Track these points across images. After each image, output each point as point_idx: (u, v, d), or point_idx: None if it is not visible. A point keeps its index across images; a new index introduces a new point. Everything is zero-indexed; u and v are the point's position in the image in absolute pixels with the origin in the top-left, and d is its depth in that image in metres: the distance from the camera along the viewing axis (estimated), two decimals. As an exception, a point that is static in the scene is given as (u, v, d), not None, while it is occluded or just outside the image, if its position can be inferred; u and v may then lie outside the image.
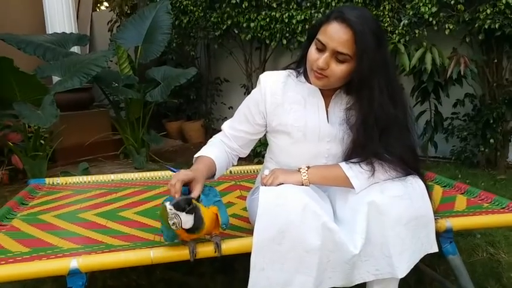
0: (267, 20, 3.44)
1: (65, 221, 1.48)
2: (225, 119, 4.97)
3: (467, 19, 2.87)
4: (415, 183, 1.12)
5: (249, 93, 4.43)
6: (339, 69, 1.14)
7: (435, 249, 1.16)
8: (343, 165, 1.18)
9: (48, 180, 1.92)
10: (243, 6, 3.54)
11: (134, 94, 3.50)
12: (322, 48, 1.13)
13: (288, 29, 3.37)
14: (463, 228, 1.39)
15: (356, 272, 1.12)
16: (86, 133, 3.88)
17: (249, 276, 1.08)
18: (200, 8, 3.93)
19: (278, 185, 1.17)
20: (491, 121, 3.12)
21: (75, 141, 3.80)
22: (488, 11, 2.72)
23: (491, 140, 3.13)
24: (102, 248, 1.24)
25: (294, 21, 3.26)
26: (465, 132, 3.35)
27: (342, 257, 1.07)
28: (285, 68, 1.34)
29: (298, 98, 1.26)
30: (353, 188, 1.16)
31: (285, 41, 3.43)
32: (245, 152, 1.39)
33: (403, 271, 1.11)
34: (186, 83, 4.46)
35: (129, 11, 5.39)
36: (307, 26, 3.27)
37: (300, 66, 1.31)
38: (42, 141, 3.31)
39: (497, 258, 1.86)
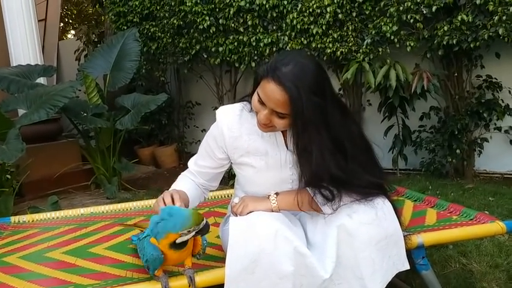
0: (235, 43, 3.48)
1: (31, 262, 1.42)
2: (199, 142, 5.02)
3: (426, 36, 2.99)
4: (382, 204, 1.13)
5: (220, 116, 4.53)
6: (281, 123, 1.13)
7: (407, 266, 1.17)
8: (309, 190, 1.19)
9: (13, 219, 1.85)
10: (211, 31, 3.57)
11: (104, 123, 3.45)
12: (262, 103, 1.13)
13: (256, 52, 3.42)
14: (434, 243, 1.41)
15: None
16: (54, 165, 3.78)
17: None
18: (168, 34, 3.95)
19: (248, 213, 1.17)
20: (456, 132, 3.22)
21: (44, 174, 3.69)
22: (446, 28, 2.84)
23: (458, 151, 3.23)
24: (70, 289, 1.20)
25: (262, 44, 3.31)
26: (433, 144, 3.44)
27: (314, 281, 1.07)
28: (240, 100, 1.35)
29: (255, 129, 1.25)
30: (322, 212, 1.16)
31: (253, 64, 3.48)
32: (213, 186, 1.40)
33: (376, 292, 1.11)
34: (156, 108, 4.46)
35: (96, 39, 5.36)
36: (274, 49, 3.32)
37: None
38: (8, 176, 3.20)
39: (470, 268, 1.90)
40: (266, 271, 1.05)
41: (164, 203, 1.15)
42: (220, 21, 3.49)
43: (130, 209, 1.99)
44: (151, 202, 2.00)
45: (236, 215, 1.22)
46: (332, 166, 1.09)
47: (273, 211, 1.19)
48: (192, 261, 1.15)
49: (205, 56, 3.82)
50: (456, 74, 3.25)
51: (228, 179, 3.65)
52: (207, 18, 3.53)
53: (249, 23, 3.35)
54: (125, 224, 1.76)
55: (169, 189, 1.25)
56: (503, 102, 3.28)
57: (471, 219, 1.52)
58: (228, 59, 3.62)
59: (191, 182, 1.34)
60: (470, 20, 2.63)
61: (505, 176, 3.46)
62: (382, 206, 1.13)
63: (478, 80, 3.30)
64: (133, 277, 1.27)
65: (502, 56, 3.08)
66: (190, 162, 1.37)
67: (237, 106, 1.30)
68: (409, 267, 1.17)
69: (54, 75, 4.29)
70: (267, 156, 1.24)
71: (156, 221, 1.09)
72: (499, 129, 3.39)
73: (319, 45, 3.10)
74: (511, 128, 3.33)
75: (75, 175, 3.95)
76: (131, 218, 1.85)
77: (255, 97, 1.15)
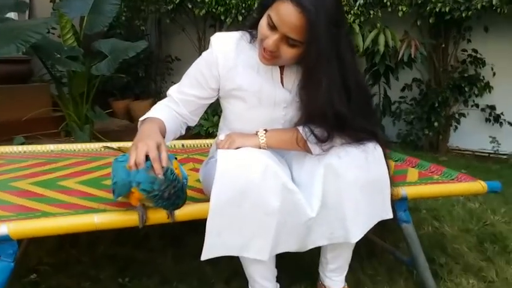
0: (222, -6, 3.34)
1: (-6, 190, 1.33)
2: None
3: (419, 1, 2.94)
4: (373, 149, 1.09)
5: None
6: (289, 52, 1.05)
7: (390, 215, 1.15)
8: (300, 129, 1.13)
9: (-24, 150, 1.73)
10: (197, -21, 3.40)
11: (78, 66, 3.27)
12: (273, 28, 1.03)
13: (244, 5, 3.28)
14: (417, 197, 1.40)
15: (311, 236, 1.09)
16: (23, 109, 3.59)
17: (201, 250, 1.03)
18: (152, -21, 3.74)
19: (236, 149, 1.11)
20: (437, 105, 3.24)
21: (11, 117, 3.50)
22: (440, -5, 2.79)
23: (436, 124, 3.26)
24: (38, 216, 1.12)
25: (250, -4, 3.19)
26: (411, 116, 3.46)
27: (299, 219, 1.04)
28: (239, 29, 1.26)
29: (252, 62, 1.19)
30: (310, 152, 1.12)
31: (240, 18, 3.35)
32: (194, 120, 1.29)
33: (356, 235, 1.09)
34: (134, 60, 4.27)
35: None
36: (263, 3, 3.19)
37: (253, 28, 1.23)
38: (-28, 115, 3.02)
39: (442, 231, 1.93)
40: (253, 205, 1.00)
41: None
42: (209, -31, 3.32)
43: (106, 148, 1.90)
44: (127, 144, 1.91)
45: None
46: (337, 103, 1.03)
47: (260, 148, 1.13)
48: None
49: (189, 6, 3.65)
50: (443, 45, 3.23)
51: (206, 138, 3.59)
52: (194, -35, 3.36)
53: (239, -28, 3.20)
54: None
55: (146, 124, 1.10)
56: (484, 79, 3.30)
57: (452, 179, 1.52)
58: (213, 10, 3.47)
59: (171, 112, 1.23)
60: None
61: (476, 153, 3.53)
62: (372, 151, 1.09)
63: (463, 54, 3.30)
64: (106, 209, 1.20)
65: (489, 30, 3.07)
66: (172, 90, 1.25)
67: (235, 34, 1.21)
68: (392, 217, 1.15)
69: (26, 11, 4.01)
70: (260, 93, 1.17)
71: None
72: (477, 106, 3.43)
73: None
74: (488, 107, 3.38)
75: (44, 121, 3.77)
76: (106, 157, 1.77)
77: (263, 21, 1.06)
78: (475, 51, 3.22)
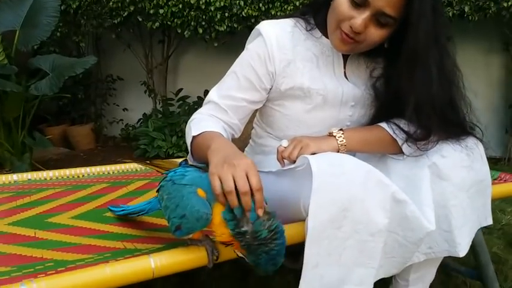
0: (179, 6, 3.08)
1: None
2: (121, 121, 4.44)
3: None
4: (475, 146, 0.94)
5: (151, 91, 4.07)
6: (377, 34, 0.89)
7: (490, 221, 1.00)
8: (385, 125, 0.95)
9: None
10: (150, -10, 3.13)
11: (14, 86, 2.80)
12: (361, 4, 0.86)
13: (204, 17, 3.07)
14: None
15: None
16: None
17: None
18: (94, -9, 3.38)
19: (312, 154, 0.89)
20: None
21: None
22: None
23: None
24: (52, 267, 0.80)
25: (212, 8, 2.97)
26: None
27: (414, 236, 0.85)
28: (289, 16, 1.06)
29: (310, 54, 1.00)
30: (400, 152, 0.94)
31: (201, 30, 3.12)
32: (241, 130, 1.06)
33: (464, 248, 0.93)
34: (70, 80, 3.83)
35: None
36: (226, 14, 3.01)
37: (308, 14, 1.04)
38: None
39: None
40: (355, 225, 0.79)
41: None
42: (163, -21, 3.06)
43: (83, 175, 1.55)
44: (114, 168, 1.59)
45: (283, 163, 0.94)
46: (436, 93, 0.87)
47: (339, 152, 0.93)
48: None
49: (139, 20, 3.35)
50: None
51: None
52: (146, -26, 3.08)
53: (198, -17, 2.99)
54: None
55: (217, 139, 0.86)
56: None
57: (495, 179, 1.43)
58: (169, 23, 3.20)
59: (219, 123, 0.98)
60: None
61: None
62: (474, 148, 0.94)
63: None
64: (140, 248, 0.91)
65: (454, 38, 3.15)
66: (215, 97, 1.00)
67: (288, 21, 1.01)
68: (491, 223, 1.00)
69: None
70: (325, 91, 0.98)
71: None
72: None
73: (279, 13, 2.88)
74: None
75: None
76: (90, 185, 1.43)
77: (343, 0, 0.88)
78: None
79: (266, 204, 0.74)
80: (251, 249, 0.71)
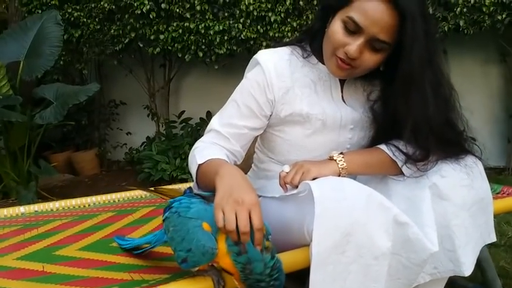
0: (179, 31, 3.15)
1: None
2: (124, 145, 4.47)
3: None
4: (474, 165, 0.96)
5: (154, 114, 4.11)
6: (372, 60, 0.92)
7: (493, 238, 1.01)
8: (384, 147, 0.97)
9: None
10: (151, 16, 3.19)
11: (19, 116, 2.85)
12: (355, 31, 0.89)
13: (204, 41, 3.12)
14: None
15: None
16: None
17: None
18: (96, 19, 3.45)
19: (313, 179, 0.91)
20: None
21: None
22: None
23: None
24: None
25: (212, 32, 3.03)
26: None
27: (417, 258, 0.85)
28: (285, 44, 1.09)
29: (307, 81, 1.02)
30: (400, 174, 0.96)
31: (201, 54, 3.17)
32: (243, 156, 1.08)
33: (468, 267, 0.93)
34: (74, 107, 3.88)
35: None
36: (226, 38, 3.07)
37: (304, 41, 1.07)
38: None
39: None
40: (359, 249, 0.80)
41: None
42: (163, 5, 3.12)
43: (89, 205, 1.57)
44: (119, 196, 1.60)
45: (286, 189, 0.95)
46: (433, 114, 0.89)
47: (340, 176, 0.94)
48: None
49: (140, 46, 3.41)
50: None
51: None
52: (146, 1, 3.15)
53: (197, 8, 3.05)
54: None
55: (225, 168, 0.86)
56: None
57: (497, 193, 1.44)
58: (169, 48, 3.26)
59: (222, 150, 1.00)
60: (430, 12, 2.68)
61: None
62: (474, 167, 0.95)
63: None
64: (147, 279, 0.92)
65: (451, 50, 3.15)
66: (216, 125, 1.03)
67: (285, 50, 1.04)
68: (495, 239, 1.01)
69: None
70: (324, 115, 1.00)
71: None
72: None
73: (276, 35, 2.93)
74: None
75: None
76: (96, 214, 1.44)
77: (336, 27, 0.91)
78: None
79: (269, 239, 0.76)
80: (249, 283, 0.72)
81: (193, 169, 0.96)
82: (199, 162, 0.92)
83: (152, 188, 1.11)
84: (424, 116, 0.89)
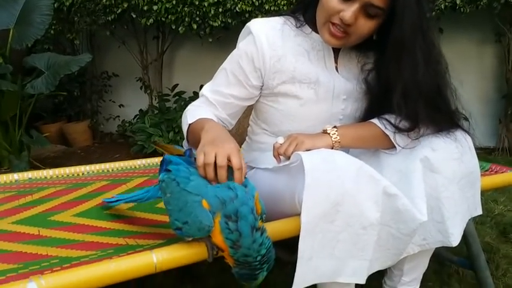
0: (173, 2, 3.09)
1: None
2: (117, 118, 4.44)
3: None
4: (463, 139, 0.98)
5: (147, 87, 4.08)
6: (366, 26, 0.92)
7: (479, 211, 1.04)
8: (376, 121, 0.98)
9: None
10: (143, -14, 3.13)
11: (10, 85, 2.81)
12: None
13: (198, 13, 3.08)
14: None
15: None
16: None
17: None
18: (87, -13, 3.38)
19: (306, 151, 0.92)
20: None
21: None
22: None
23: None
24: (57, 263, 0.83)
25: (206, 3, 2.98)
26: None
27: (406, 228, 0.88)
28: (279, 15, 1.09)
29: (300, 49, 1.03)
30: (393, 147, 0.98)
31: (195, 26, 3.13)
32: (233, 124, 1.10)
33: (456, 238, 0.96)
34: (66, 78, 3.83)
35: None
36: (220, 10, 3.02)
37: (298, 12, 1.07)
38: None
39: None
40: (348, 218, 0.82)
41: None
42: (157, -25, 3.07)
43: (83, 174, 1.58)
44: (113, 165, 1.61)
45: (279, 160, 0.97)
46: (424, 80, 0.90)
47: (333, 148, 0.96)
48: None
49: (133, 16, 3.35)
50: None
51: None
52: (139, -30, 3.08)
53: (192, -22, 2.99)
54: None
55: (209, 123, 0.92)
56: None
57: (486, 170, 1.47)
58: (163, 19, 3.21)
59: (211, 114, 1.02)
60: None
61: None
62: (463, 141, 0.97)
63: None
64: (142, 244, 0.94)
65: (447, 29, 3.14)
66: (206, 90, 1.06)
67: (277, 19, 1.04)
68: (481, 213, 1.04)
69: None
70: (317, 84, 1.01)
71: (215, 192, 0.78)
72: None
73: (272, 8, 2.89)
74: None
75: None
76: (90, 183, 1.45)
77: None
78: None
79: (262, 219, 0.78)
80: (236, 257, 0.75)
81: (184, 128, 1.00)
82: (190, 121, 0.97)
83: (156, 139, 1.14)
84: (414, 80, 0.91)
